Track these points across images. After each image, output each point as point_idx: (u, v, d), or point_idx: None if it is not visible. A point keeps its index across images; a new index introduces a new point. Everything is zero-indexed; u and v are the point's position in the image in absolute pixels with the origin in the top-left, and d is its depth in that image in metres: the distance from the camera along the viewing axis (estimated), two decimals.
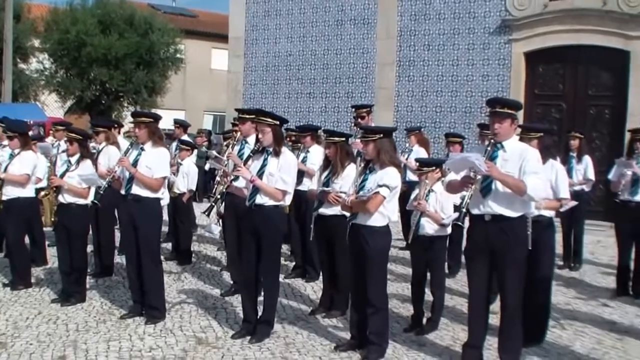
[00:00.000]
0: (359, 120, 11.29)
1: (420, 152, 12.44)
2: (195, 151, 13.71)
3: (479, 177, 6.39)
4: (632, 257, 10.11)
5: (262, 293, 7.73)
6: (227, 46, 22.83)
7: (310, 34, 20.13)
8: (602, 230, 14.50)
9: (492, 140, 6.63)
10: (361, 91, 19.38)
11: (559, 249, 11.99)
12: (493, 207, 6.49)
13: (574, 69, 17.54)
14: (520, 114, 16.76)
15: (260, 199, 7.47)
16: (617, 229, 10.28)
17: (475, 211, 6.61)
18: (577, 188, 11.69)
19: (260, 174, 7.49)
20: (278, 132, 7.57)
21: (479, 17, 17.96)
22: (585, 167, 11.83)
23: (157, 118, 8.55)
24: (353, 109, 11.81)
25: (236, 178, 7.76)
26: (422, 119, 18.13)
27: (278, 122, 7.59)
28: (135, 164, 8.20)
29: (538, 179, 6.42)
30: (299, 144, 11.19)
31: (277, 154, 7.51)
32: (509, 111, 6.57)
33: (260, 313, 7.74)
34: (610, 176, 10.42)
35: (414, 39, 18.73)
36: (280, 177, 7.44)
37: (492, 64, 17.84)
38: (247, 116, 9.23)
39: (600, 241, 13.61)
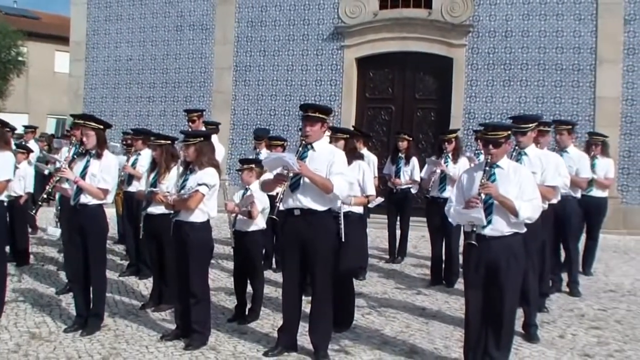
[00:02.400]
0: (190, 124, 11.70)
1: None
2: (33, 154, 13.74)
3: (291, 174, 6.93)
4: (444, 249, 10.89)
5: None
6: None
7: (150, 38, 20.27)
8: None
9: (303, 142, 7.19)
10: (199, 95, 19.66)
11: (385, 243, 12.92)
12: (302, 200, 7.05)
13: (402, 74, 18.56)
14: (352, 117, 17.80)
15: (84, 199, 7.86)
16: (429, 224, 11.04)
17: (286, 206, 7.17)
18: (404, 187, 12.44)
19: (83, 174, 7.88)
20: (101, 136, 7.97)
21: (313, 24, 18.65)
22: (412, 169, 12.43)
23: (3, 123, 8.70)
24: (185, 113, 12.22)
25: (65, 179, 8.06)
26: (258, 122, 18.59)
27: (102, 126, 8.02)
28: None
29: (343, 179, 7.05)
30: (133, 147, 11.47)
31: (99, 156, 7.94)
32: (320, 115, 7.14)
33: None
34: (422, 174, 11.23)
35: (250, 44, 19.22)
36: (102, 177, 7.87)
37: (325, 69, 18.56)
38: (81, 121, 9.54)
39: (424, 236, 14.41)
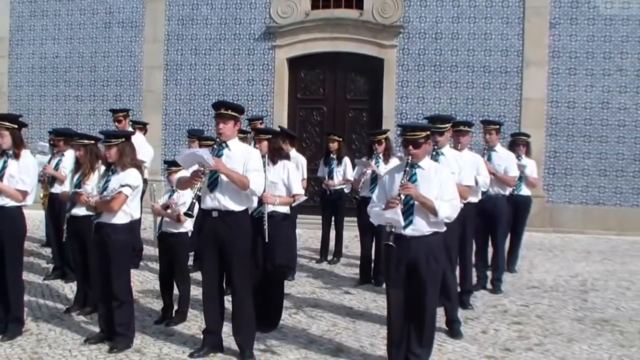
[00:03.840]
0: (117, 124, 11.61)
1: None
2: None
3: (207, 171, 6.93)
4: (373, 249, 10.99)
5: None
6: None
7: (77, 36, 19.83)
8: None
9: (218, 140, 7.22)
10: (129, 94, 19.35)
11: (317, 244, 12.97)
12: (220, 199, 7.09)
13: (334, 75, 18.59)
14: (284, 117, 17.82)
15: (1, 201, 7.68)
16: (359, 224, 11.12)
17: (204, 206, 7.19)
18: (337, 188, 12.51)
19: (0, 175, 7.71)
20: (17, 136, 7.83)
21: (245, 24, 18.55)
22: (345, 169, 12.50)
23: None
24: (111, 113, 12.14)
25: None
26: (191, 122, 18.42)
27: (17, 126, 7.87)
28: None
29: (259, 175, 7.14)
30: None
31: (17, 156, 7.78)
32: (233, 113, 7.18)
33: None
34: (353, 175, 11.33)
35: (181, 43, 19.00)
36: (20, 178, 7.71)
37: (257, 69, 18.49)
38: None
39: (357, 236, 14.48)
